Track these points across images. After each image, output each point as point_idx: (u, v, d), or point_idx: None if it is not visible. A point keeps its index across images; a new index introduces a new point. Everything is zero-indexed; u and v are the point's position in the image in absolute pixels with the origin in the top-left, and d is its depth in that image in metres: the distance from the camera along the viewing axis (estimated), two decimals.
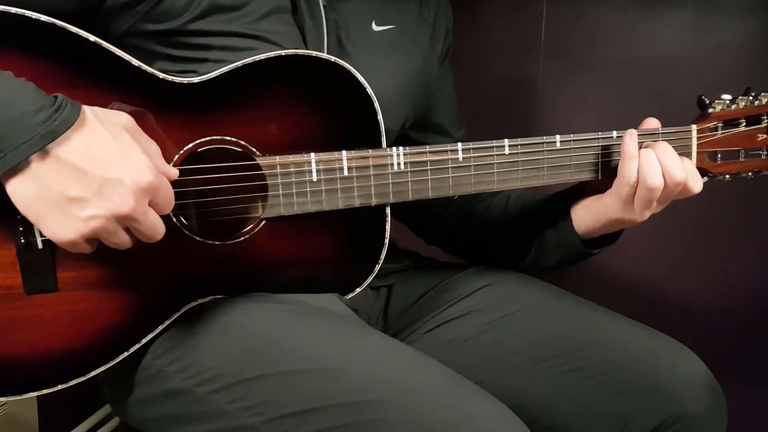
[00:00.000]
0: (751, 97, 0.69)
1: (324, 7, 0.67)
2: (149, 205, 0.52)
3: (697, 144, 0.69)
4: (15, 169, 0.47)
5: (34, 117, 0.47)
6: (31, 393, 0.58)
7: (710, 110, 0.69)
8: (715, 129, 0.69)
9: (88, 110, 0.50)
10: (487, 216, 0.80)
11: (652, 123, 0.69)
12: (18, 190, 0.48)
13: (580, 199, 0.71)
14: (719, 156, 0.70)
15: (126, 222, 0.51)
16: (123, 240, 0.52)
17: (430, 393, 0.54)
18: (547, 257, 0.74)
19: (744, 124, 0.69)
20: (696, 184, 0.66)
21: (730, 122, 0.69)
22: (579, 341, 0.69)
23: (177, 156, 0.59)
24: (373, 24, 0.72)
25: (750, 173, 0.71)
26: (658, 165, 0.64)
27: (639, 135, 0.66)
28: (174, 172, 0.55)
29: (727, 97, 0.69)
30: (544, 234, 0.73)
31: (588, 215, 0.70)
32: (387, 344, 0.61)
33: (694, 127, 0.69)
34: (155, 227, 0.52)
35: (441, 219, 0.83)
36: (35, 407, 0.97)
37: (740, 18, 1.04)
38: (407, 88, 0.74)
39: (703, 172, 0.71)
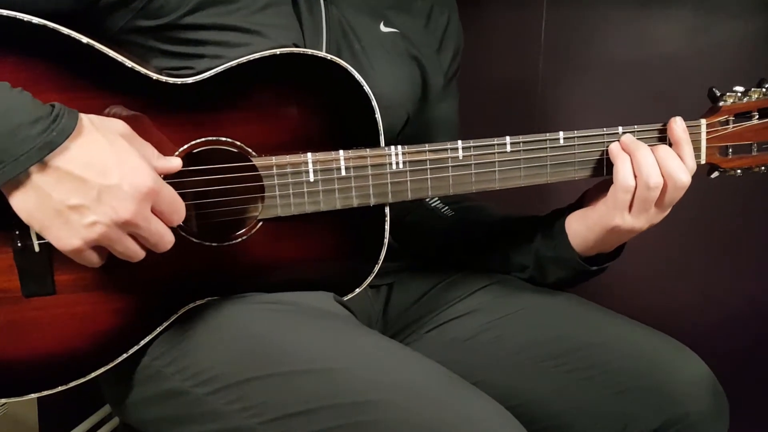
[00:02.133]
0: (764, 89, 0.67)
1: (324, 2, 0.66)
2: (155, 214, 0.52)
3: (707, 139, 0.67)
4: (15, 181, 0.48)
5: (32, 128, 0.47)
6: (32, 394, 0.59)
7: (721, 103, 0.67)
8: (726, 123, 0.67)
9: (85, 118, 0.50)
10: (482, 227, 0.79)
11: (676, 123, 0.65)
12: (19, 201, 0.49)
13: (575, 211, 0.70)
14: (730, 150, 0.68)
15: (128, 228, 0.51)
16: (131, 248, 0.52)
17: (427, 394, 0.54)
18: (545, 275, 0.73)
19: (757, 116, 0.67)
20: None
21: (742, 115, 0.67)
22: (580, 341, 0.68)
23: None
24: (382, 25, 0.71)
25: (763, 167, 0.69)
26: (653, 160, 0.62)
27: (639, 132, 0.65)
28: (176, 162, 0.55)
29: (739, 89, 0.67)
30: (539, 249, 0.72)
31: (581, 226, 0.68)
32: (385, 345, 0.60)
33: (703, 121, 0.67)
34: (160, 234, 0.52)
35: (434, 235, 0.82)
36: (35, 407, 0.98)
37: (740, 18, 1.04)
38: (409, 92, 0.73)
39: (713, 167, 0.69)
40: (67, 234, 0.49)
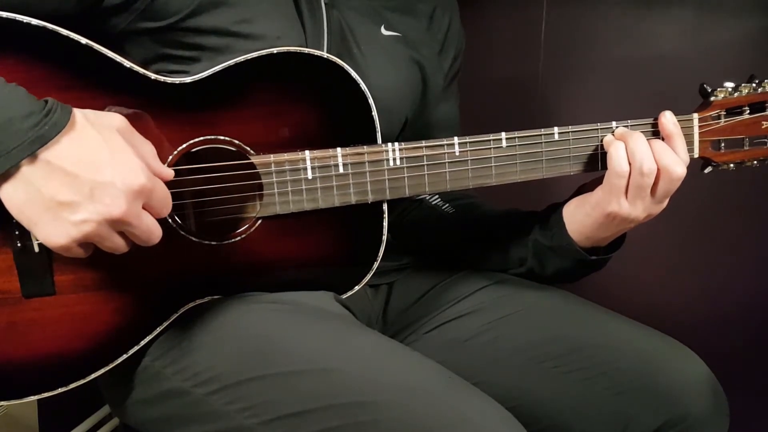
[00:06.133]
0: (754, 84, 0.68)
1: (326, 4, 0.67)
2: (144, 208, 0.51)
3: (699, 133, 0.68)
4: (6, 175, 0.48)
5: (24, 122, 0.47)
6: (32, 397, 0.59)
7: (712, 98, 0.68)
8: (718, 117, 0.68)
9: (78, 113, 0.50)
10: (482, 224, 0.79)
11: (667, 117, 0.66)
12: (10, 195, 0.48)
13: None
14: (723, 145, 0.69)
15: (119, 226, 0.50)
16: (118, 244, 0.52)
17: (426, 394, 0.54)
18: (543, 265, 0.72)
19: (748, 111, 0.68)
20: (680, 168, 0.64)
21: (733, 110, 0.68)
22: (580, 341, 0.68)
23: (171, 156, 0.59)
24: (383, 28, 0.72)
25: (755, 162, 0.70)
26: (647, 147, 0.63)
27: (632, 126, 0.65)
28: (169, 173, 0.54)
29: (729, 84, 0.68)
30: (537, 240, 0.71)
31: (579, 213, 0.67)
32: (384, 345, 0.60)
33: (695, 115, 0.68)
34: (150, 231, 0.52)
35: (435, 233, 0.82)
36: (35, 407, 0.98)
37: (740, 18, 1.04)
38: (409, 95, 0.74)
39: (706, 161, 0.70)
40: (56, 231, 0.49)
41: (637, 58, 1.11)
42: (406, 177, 0.63)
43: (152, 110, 0.58)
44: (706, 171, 0.70)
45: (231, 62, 0.59)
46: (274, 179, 0.61)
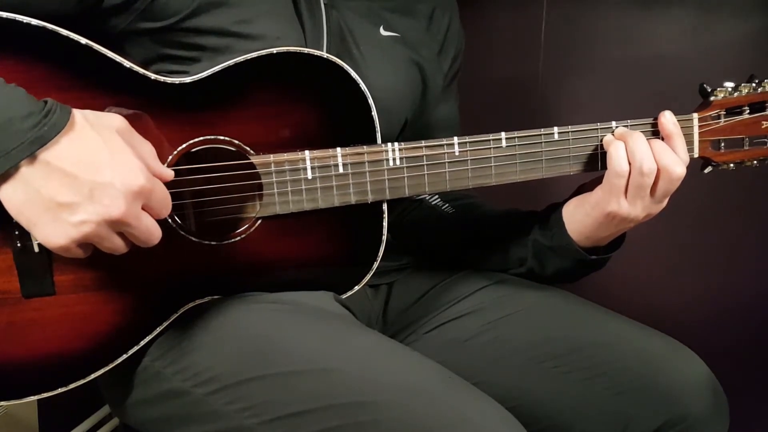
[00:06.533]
0: (754, 84, 0.68)
1: (325, 5, 0.67)
2: (144, 209, 0.51)
3: (699, 132, 0.68)
4: (5, 175, 0.48)
5: (23, 123, 0.47)
6: (31, 397, 0.59)
7: (712, 98, 0.68)
8: (718, 117, 0.68)
9: (78, 114, 0.50)
10: (482, 224, 0.79)
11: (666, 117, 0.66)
12: (9, 195, 0.48)
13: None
14: (723, 145, 0.69)
15: (118, 226, 0.50)
16: (117, 245, 0.52)
17: (426, 395, 0.54)
18: (543, 266, 0.72)
19: (747, 111, 0.68)
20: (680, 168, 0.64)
21: (732, 110, 0.68)
22: (580, 341, 0.68)
23: (171, 156, 0.59)
24: (381, 29, 0.72)
25: (755, 161, 0.70)
26: (647, 147, 0.63)
27: (632, 126, 0.66)
28: (169, 173, 0.55)
29: (729, 84, 0.68)
30: (537, 240, 0.72)
31: (579, 213, 0.68)
32: (384, 345, 0.60)
33: (695, 115, 0.68)
34: (150, 232, 0.52)
35: (435, 233, 0.82)
36: (35, 407, 0.98)
37: (740, 18, 1.04)
38: (408, 96, 0.74)
39: (706, 161, 0.70)
40: (55, 232, 0.49)
41: (637, 58, 1.11)
42: (405, 177, 0.63)
43: (152, 110, 0.58)
44: (706, 171, 0.70)
45: (231, 62, 0.59)
46: (274, 179, 0.61)
